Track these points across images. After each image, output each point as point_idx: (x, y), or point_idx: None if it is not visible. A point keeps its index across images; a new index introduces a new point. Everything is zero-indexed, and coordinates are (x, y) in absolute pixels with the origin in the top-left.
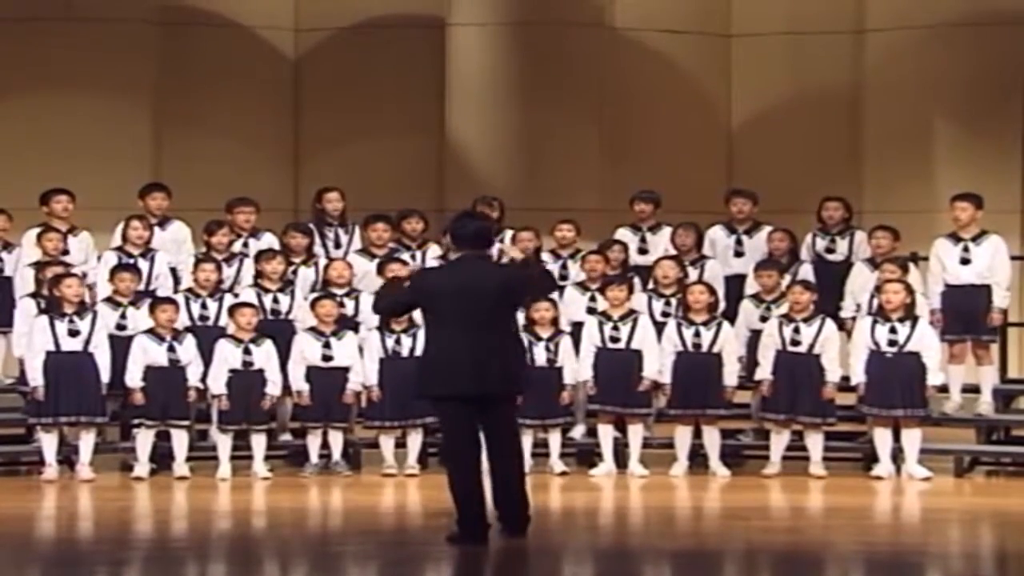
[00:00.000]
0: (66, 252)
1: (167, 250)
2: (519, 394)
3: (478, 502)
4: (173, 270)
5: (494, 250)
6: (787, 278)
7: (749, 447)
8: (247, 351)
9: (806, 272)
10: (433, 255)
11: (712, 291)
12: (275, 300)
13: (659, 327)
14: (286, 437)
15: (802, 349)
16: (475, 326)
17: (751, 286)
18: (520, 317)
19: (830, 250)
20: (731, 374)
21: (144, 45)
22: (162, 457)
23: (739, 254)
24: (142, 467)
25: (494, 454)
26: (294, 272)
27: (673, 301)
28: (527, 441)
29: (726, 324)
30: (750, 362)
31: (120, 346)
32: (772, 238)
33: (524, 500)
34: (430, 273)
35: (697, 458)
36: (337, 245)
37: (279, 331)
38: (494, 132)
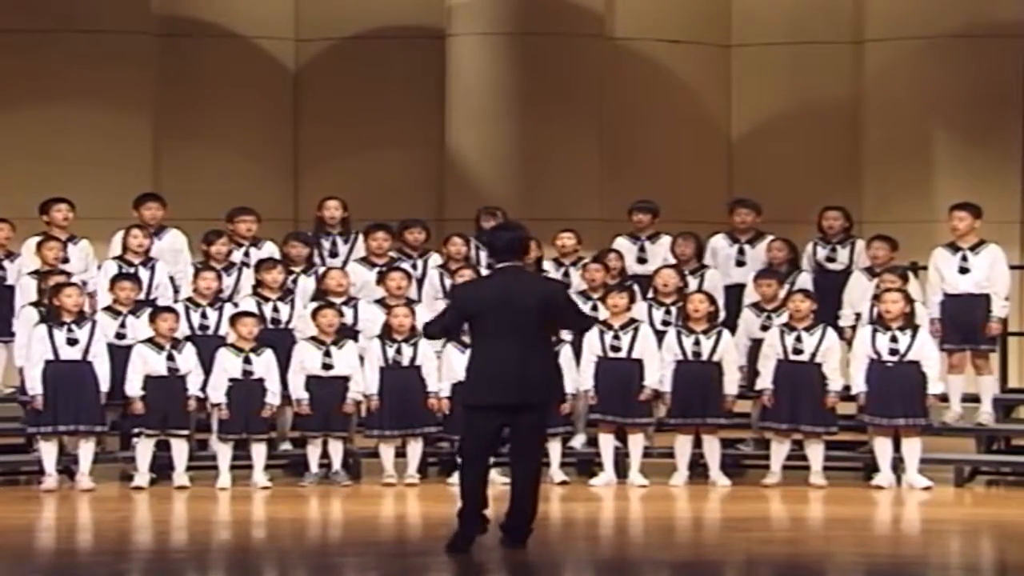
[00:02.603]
0: (66, 261)
1: (164, 259)
2: (555, 401)
3: (479, 502)
4: (171, 279)
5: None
6: (786, 287)
7: (749, 457)
8: (247, 360)
9: (805, 281)
10: (434, 264)
11: (712, 300)
12: (275, 309)
13: (659, 336)
14: (286, 446)
15: (804, 358)
16: (516, 336)
17: (750, 295)
18: None
19: (831, 259)
20: (731, 383)
21: (144, 56)
22: (162, 467)
23: (741, 263)
24: (142, 477)
25: (515, 459)
26: (294, 281)
27: (673, 310)
28: None
29: (726, 333)
30: (750, 371)
31: (120, 355)
32: (771, 248)
33: (532, 510)
34: (470, 286)
35: (697, 468)
36: (333, 254)
37: (279, 340)
38: (494, 142)
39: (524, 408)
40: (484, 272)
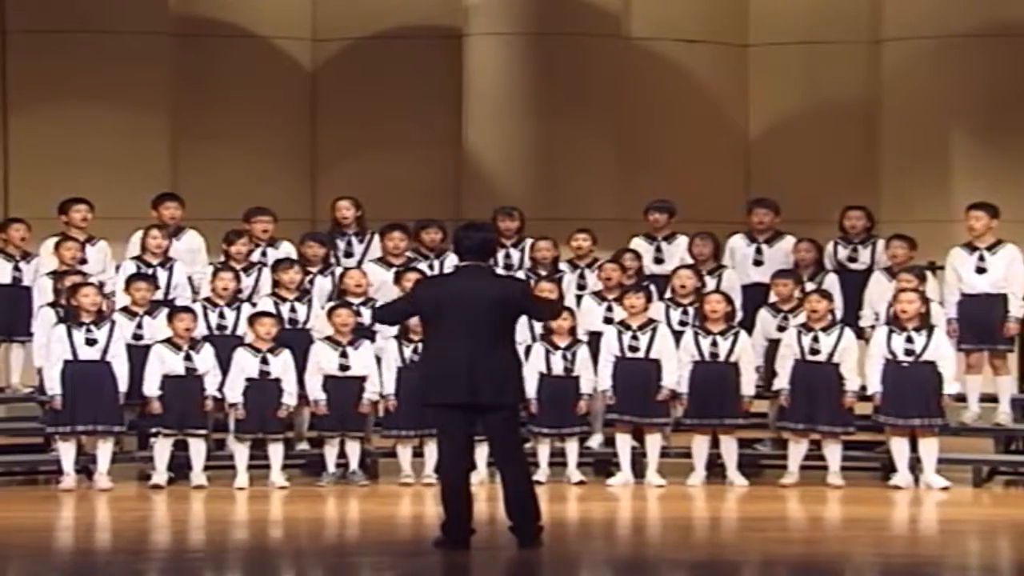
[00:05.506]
0: (84, 261)
1: (181, 260)
2: (513, 406)
3: (463, 510)
4: (189, 279)
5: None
6: (810, 287)
7: (767, 457)
8: (264, 360)
9: (831, 282)
10: (451, 264)
11: (729, 300)
12: (292, 309)
13: (676, 336)
14: (303, 446)
15: (821, 358)
16: (471, 335)
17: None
18: (537, 327)
19: (852, 259)
20: (748, 384)
21: (161, 56)
22: (179, 467)
23: (758, 263)
24: (160, 476)
25: (499, 463)
26: (311, 282)
27: (690, 310)
28: (544, 451)
29: (743, 333)
30: (767, 372)
31: (137, 355)
32: (799, 248)
33: (534, 508)
34: (430, 282)
35: (715, 468)
36: (348, 254)
37: (296, 340)
38: (511, 142)
39: (479, 409)
40: (501, 272)
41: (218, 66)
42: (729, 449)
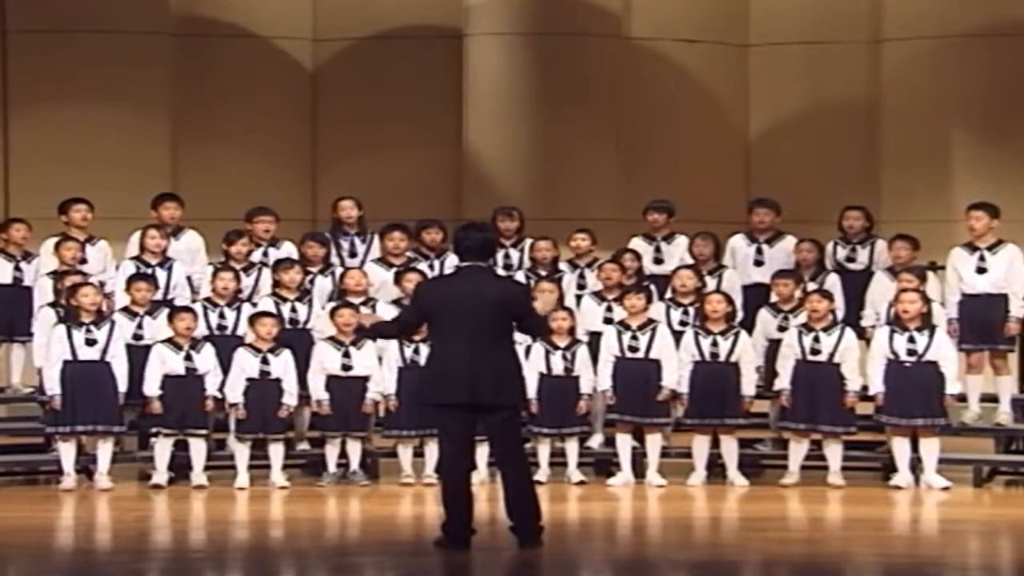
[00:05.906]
0: (84, 261)
1: (181, 260)
2: (514, 406)
3: (463, 510)
4: (188, 279)
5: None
6: (811, 287)
7: (767, 457)
8: (265, 360)
9: (833, 282)
10: (451, 264)
11: (729, 300)
12: (293, 309)
13: (676, 336)
14: (304, 446)
15: (822, 358)
16: (472, 336)
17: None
18: None
19: (851, 259)
20: (749, 384)
21: (162, 56)
22: (180, 467)
23: (759, 263)
24: (160, 476)
25: (500, 463)
26: (311, 282)
27: (691, 310)
28: (544, 451)
29: (743, 333)
30: (768, 372)
31: (137, 355)
32: (800, 249)
33: (535, 508)
34: (431, 284)
35: (715, 468)
36: (352, 254)
37: (297, 340)
38: (511, 142)
39: (480, 409)
40: (500, 272)
41: (218, 66)
42: (730, 449)
